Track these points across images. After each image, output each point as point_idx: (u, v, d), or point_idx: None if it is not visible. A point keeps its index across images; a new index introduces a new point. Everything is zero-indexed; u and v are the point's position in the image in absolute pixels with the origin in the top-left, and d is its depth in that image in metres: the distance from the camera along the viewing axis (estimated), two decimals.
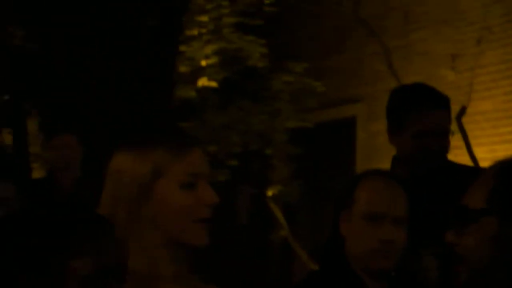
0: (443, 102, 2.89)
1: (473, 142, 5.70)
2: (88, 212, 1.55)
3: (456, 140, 4.46)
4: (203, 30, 6.54)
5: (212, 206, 1.81)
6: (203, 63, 6.44)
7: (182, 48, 6.25)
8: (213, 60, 6.48)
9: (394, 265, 2.29)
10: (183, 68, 6.34)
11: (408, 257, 2.50)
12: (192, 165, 1.82)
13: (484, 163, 4.75)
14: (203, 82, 6.44)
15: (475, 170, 3.23)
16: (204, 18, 6.55)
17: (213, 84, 6.47)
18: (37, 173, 6.32)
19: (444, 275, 1.63)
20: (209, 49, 6.47)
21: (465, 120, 5.68)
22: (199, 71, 6.48)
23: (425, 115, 2.82)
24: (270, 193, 6.94)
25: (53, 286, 1.42)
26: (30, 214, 1.51)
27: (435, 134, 2.81)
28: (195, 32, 6.50)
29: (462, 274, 1.58)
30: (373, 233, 2.26)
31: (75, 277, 1.43)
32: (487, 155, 5.55)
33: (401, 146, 2.89)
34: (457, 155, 4.89)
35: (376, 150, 7.00)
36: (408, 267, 2.49)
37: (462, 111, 5.66)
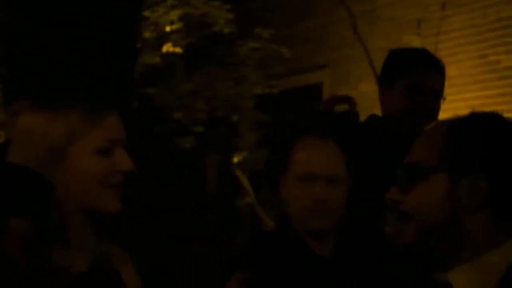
0: (439, 66, 2.90)
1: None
2: (30, 173, 1.52)
3: None
4: None
5: (126, 172, 1.78)
6: (168, 28, 6.36)
7: (147, 13, 6.17)
8: (178, 25, 6.41)
9: (332, 225, 2.28)
10: (147, 34, 6.27)
11: (362, 215, 2.50)
12: (109, 131, 1.78)
13: None
14: (168, 48, 6.37)
15: None
16: None
17: (178, 50, 6.40)
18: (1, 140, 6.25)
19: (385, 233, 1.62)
20: (174, 14, 6.39)
21: None
22: (164, 37, 6.41)
23: (420, 71, 2.84)
24: (236, 160, 6.93)
25: None
26: None
27: (427, 93, 2.82)
28: None
29: (408, 231, 1.57)
30: (307, 193, 2.26)
31: (15, 237, 1.40)
32: None
33: (390, 102, 2.88)
34: None
35: None
36: (362, 226, 2.49)
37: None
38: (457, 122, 1.59)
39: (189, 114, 6.56)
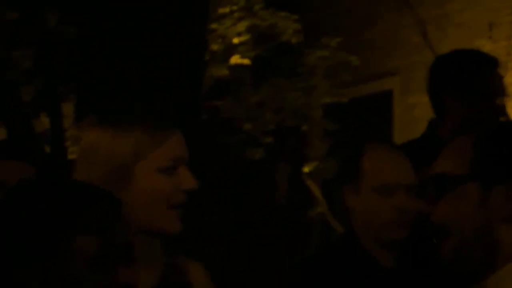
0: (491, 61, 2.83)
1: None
2: (97, 190, 1.52)
3: None
4: (235, 8, 6.49)
5: (190, 191, 1.76)
6: (235, 40, 6.39)
7: (214, 25, 6.20)
8: (245, 37, 6.43)
9: (408, 234, 2.25)
10: (215, 46, 6.30)
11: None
12: (173, 149, 1.77)
13: None
14: (235, 60, 6.40)
15: None
16: None
17: (246, 61, 6.42)
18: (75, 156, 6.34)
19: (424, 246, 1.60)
20: (241, 26, 6.42)
21: None
22: (231, 49, 6.44)
23: (494, 71, 2.78)
24: (306, 170, 6.90)
25: (60, 263, 1.40)
26: (39, 188, 1.48)
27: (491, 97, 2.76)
28: (226, 9, 6.45)
29: (446, 247, 1.54)
30: (386, 204, 2.22)
31: (82, 255, 1.40)
32: None
33: (477, 108, 2.80)
34: None
35: (413, 123, 6.91)
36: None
37: None
38: (486, 133, 1.57)
39: (258, 125, 6.57)
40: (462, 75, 2.83)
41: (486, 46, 6.04)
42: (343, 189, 2.32)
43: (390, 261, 2.26)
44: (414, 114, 7.02)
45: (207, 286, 1.89)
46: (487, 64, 2.79)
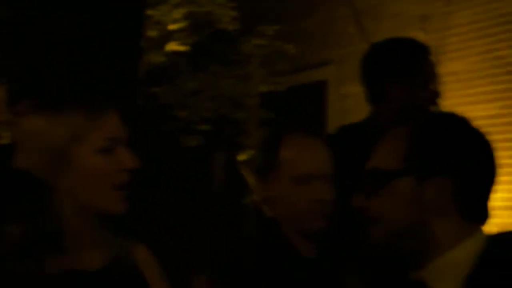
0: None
1: (443, 103, 5.70)
2: (24, 177, 1.51)
3: None
4: None
5: (131, 170, 1.78)
6: (172, 27, 6.36)
7: (150, 12, 6.16)
8: (182, 24, 6.40)
9: (327, 224, 2.27)
10: (151, 33, 6.26)
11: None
12: (109, 130, 1.78)
13: None
14: (172, 46, 6.36)
15: None
16: None
17: (183, 48, 6.39)
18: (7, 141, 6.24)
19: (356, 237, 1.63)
20: (178, 13, 6.38)
21: None
22: (168, 36, 6.41)
23: (430, 61, 2.82)
24: (242, 158, 6.92)
25: None
26: None
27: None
28: None
29: (376, 234, 1.58)
30: (305, 194, 2.24)
31: (10, 243, 1.40)
32: None
33: (412, 98, 2.85)
34: None
35: (347, 113, 6.99)
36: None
37: None
38: (418, 126, 1.60)
39: (195, 112, 6.56)
40: (401, 62, 2.87)
41: (419, 37, 6.14)
42: (264, 178, 2.33)
43: (311, 250, 2.28)
44: (347, 103, 7.10)
45: (152, 267, 1.90)
46: (424, 51, 2.85)
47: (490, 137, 1.60)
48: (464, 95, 5.71)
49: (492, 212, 1.60)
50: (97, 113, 1.74)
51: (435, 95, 2.84)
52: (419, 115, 1.68)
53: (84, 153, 1.73)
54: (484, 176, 1.56)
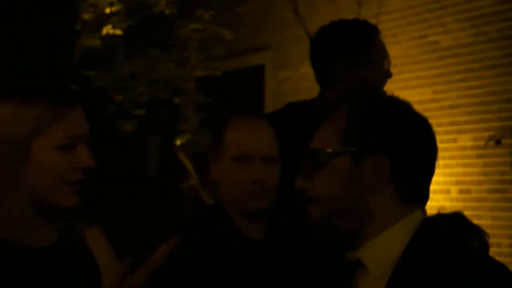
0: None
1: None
2: None
3: None
4: None
5: (87, 169, 1.77)
6: (108, 10, 6.29)
7: None
8: (118, 7, 6.33)
9: (269, 205, 2.29)
10: (86, 16, 6.18)
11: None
12: (72, 127, 1.77)
13: None
14: (108, 30, 6.30)
15: None
16: None
17: (119, 32, 6.33)
18: None
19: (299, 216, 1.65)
20: None
21: None
22: (103, 19, 6.33)
23: (379, 42, 2.84)
24: (178, 142, 6.91)
25: None
26: None
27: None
28: None
29: (314, 213, 1.60)
30: (244, 174, 2.26)
31: None
32: None
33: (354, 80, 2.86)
34: None
35: (284, 97, 7.02)
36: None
37: None
38: (357, 107, 1.62)
39: (130, 97, 6.51)
40: (349, 43, 2.88)
41: None
42: (208, 160, 2.34)
43: (256, 232, 2.29)
44: (285, 88, 7.13)
45: (103, 247, 1.90)
46: (373, 32, 2.86)
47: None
48: (398, 80, 5.79)
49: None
50: (61, 109, 1.72)
51: (385, 75, 2.87)
52: (360, 97, 1.69)
53: (42, 147, 1.71)
54: (422, 158, 1.57)
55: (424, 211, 1.62)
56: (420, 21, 5.89)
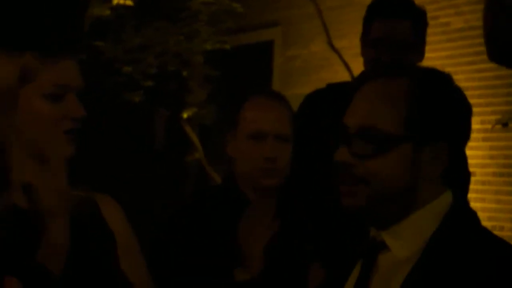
0: (404, 12, 2.81)
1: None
2: None
3: None
4: None
5: (78, 119, 1.78)
6: None
7: None
8: None
9: (280, 183, 2.32)
10: None
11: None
12: (61, 75, 1.77)
13: None
14: (118, 0, 6.28)
15: None
16: None
17: (129, 2, 6.32)
18: None
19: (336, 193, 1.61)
20: None
21: None
22: None
23: (381, 22, 2.78)
24: (185, 115, 6.91)
25: None
26: None
27: (387, 44, 2.77)
28: None
29: (363, 194, 1.54)
30: (257, 151, 2.29)
31: None
32: None
33: (364, 57, 2.84)
34: None
35: (292, 75, 7.02)
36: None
37: None
38: (415, 86, 1.55)
39: (139, 68, 6.51)
40: (365, 19, 2.88)
41: (366, 0, 6.17)
42: (225, 137, 2.38)
43: (268, 208, 2.32)
44: (293, 65, 7.12)
45: (120, 217, 1.91)
46: (387, 11, 2.85)
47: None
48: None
49: None
50: (51, 57, 1.72)
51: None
52: (410, 69, 1.63)
53: (31, 95, 1.72)
54: (466, 139, 1.54)
55: (455, 194, 1.58)
56: (431, 2, 5.87)
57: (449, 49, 5.75)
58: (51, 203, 1.72)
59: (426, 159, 1.52)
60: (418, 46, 2.83)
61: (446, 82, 1.58)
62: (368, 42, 2.81)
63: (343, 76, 5.53)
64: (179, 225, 2.30)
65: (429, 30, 2.93)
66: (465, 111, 1.56)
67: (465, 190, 2.52)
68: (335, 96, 2.82)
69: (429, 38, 2.94)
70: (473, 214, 1.56)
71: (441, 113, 1.53)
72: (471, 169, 2.65)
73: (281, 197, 2.34)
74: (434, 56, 5.86)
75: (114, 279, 1.81)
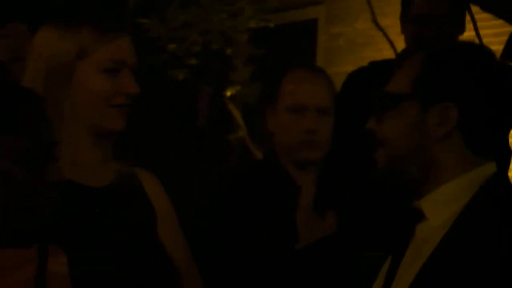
0: None
1: None
2: (20, 90, 1.54)
3: None
4: None
5: (131, 95, 1.80)
6: None
7: None
8: None
9: (321, 156, 2.31)
10: None
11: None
12: (117, 51, 1.80)
13: None
14: None
15: None
16: None
17: None
18: None
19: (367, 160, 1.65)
20: None
21: None
22: None
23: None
24: (229, 93, 6.92)
25: None
26: None
27: (429, 20, 2.79)
28: None
29: (380, 158, 1.59)
30: (297, 124, 2.29)
31: (10, 153, 1.44)
32: None
33: (404, 34, 2.87)
34: None
35: (336, 53, 6.98)
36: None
37: None
38: (432, 52, 1.59)
39: (183, 46, 6.53)
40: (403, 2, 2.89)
41: None
42: (264, 111, 2.38)
43: (308, 181, 2.32)
44: (338, 43, 7.07)
45: (161, 193, 1.94)
46: None
47: None
48: None
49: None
50: (106, 33, 1.76)
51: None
52: (438, 43, 1.69)
53: (87, 69, 1.76)
54: (495, 109, 1.53)
55: (499, 166, 1.58)
56: None
57: (496, 27, 5.66)
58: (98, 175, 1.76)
59: (432, 120, 1.55)
60: (459, 20, 2.84)
61: (463, 48, 1.60)
62: (409, 19, 2.81)
63: (387, 54, 5.48)
64: (234, 199, 2.31)
65: (476, 8, 2.91)
66: (485, 76, 1.56)
67: (506, 165, 2.52)
68: (377, 74, 2.82)
69: (476, 16, 2.91)
70: (509, 187, 1.57)
71: (447, 75, 1.55)
72: None
73: (322, 172, 2.34)
74: (482, 34, 5.78)
75: (153, 253, 1.84)
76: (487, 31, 5.67)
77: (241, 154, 7.21)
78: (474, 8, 2.96)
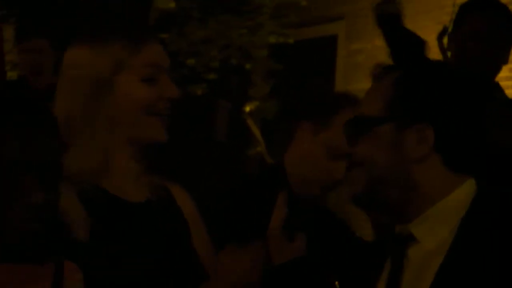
0: (485, 9, 2.85)
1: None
2: (34, 104, 1.54)
3: None
4: None
5: (172, 100, 1.80)
6: None
7: None
8: None
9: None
10: None
11: None
12: (152, 58, 1.80)
13: None
14: None
15: None
16: None
17: None
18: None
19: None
20: None
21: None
22: None
23: (478, 15, 2.83)
24: (248, 108, 6.92)
25: None
26: None
27: (474, 39, 2.80)
28: None
29: (359, 179, 1.59)
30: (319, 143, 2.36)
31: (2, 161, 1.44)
32: None
33: (452, 51, 2.89)
34: None
35: (356, 69, 6.96)
36: None
37: (444, 31, 5.61)
38: (404, 72, 1.59)
39: (202, 61, 6.54)
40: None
41: None
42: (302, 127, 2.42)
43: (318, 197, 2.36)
44: (357, 59, 7.06)
45: (191, 205, 1.94)
46: (467, 11, 2.89)
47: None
48: None
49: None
50: (138, 42, 1.75)
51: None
52: (409, 62, 1.68)
53: (128, 80, 1.75)
54: (470, 126, 1.53)
55: (479, 181, 1.57)
56: None
57: None
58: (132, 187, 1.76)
59: (409, 141, 1.54)
60: (508, 42, 2.86)
61: (443, 71, 1.59)
62: (461, 35, 2.82)
63: None
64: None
65: None
66: (459, 95, 1.56)
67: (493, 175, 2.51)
68: None
69: None
70: (500, 197, 1.55)
71: (422, 96, 1.55)
72: None
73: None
74: None
75: (191, 267, 1.84)
76: None
77: (260, 169, 7.19)
78: None
